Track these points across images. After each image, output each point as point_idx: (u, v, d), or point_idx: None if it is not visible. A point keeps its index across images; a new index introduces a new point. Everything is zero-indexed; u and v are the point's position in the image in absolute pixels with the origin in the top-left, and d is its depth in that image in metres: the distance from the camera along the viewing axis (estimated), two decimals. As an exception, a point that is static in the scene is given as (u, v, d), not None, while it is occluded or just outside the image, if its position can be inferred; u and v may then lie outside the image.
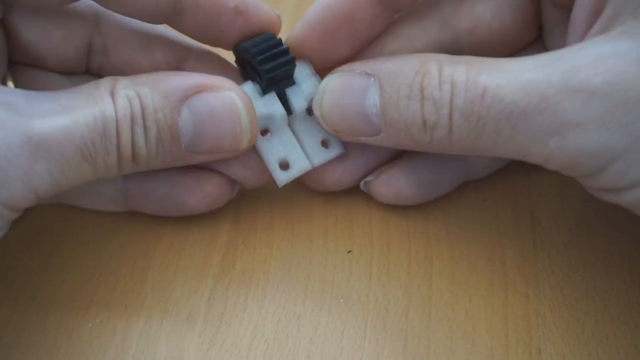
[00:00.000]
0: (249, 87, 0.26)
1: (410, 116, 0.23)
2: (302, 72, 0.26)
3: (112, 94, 0.23)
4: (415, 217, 0.28)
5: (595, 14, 0.23)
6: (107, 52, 0.27)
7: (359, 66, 0.24)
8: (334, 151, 0.27)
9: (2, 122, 0.21)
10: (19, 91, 0.23)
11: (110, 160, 0.23)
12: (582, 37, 0.23)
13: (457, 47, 0.27)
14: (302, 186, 0.29)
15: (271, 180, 0.27)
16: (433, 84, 0.22)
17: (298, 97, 0.26)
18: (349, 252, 0.27)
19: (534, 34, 0.28)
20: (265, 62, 0.25)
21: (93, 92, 0.23)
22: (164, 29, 0.27)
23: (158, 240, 0.28)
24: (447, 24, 0.27)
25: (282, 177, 0.27)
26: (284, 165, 0.27)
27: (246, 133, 0.24)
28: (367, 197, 0.29)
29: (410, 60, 0.23)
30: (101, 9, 0.26)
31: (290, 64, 0.25)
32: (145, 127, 0.23)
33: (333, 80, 0.25)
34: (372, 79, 0.24)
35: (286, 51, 0.25)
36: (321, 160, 0.27)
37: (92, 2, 0.25)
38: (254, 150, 0.26)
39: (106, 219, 0.29)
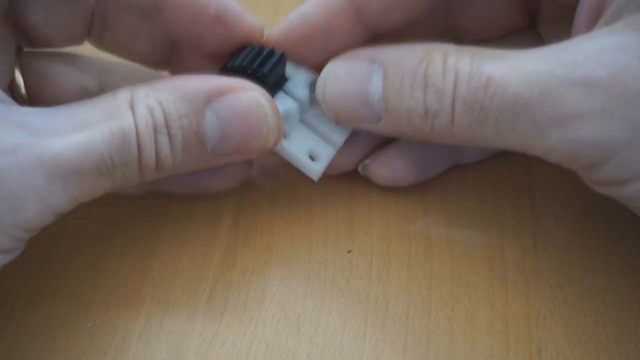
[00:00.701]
0: None
1: (412, 104, 0.23)
2: (289, 68, 0.27)
3: (132, 106, 0.23)
4: (415, 217, 0.28)
5: (597, 10, 0.23)
6: (107, 21, 0.27)
7: (364, 52, 0.25)
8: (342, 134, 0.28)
9: (15, 147, 0.21)
10: (33, 110, 0.23)
11: (129, 171, 0.23)
12: (585, 32, 0.23)
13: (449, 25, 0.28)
14: (302, 186, 0.29)
15: (272, 179, 0.27)
16: (436, 72, 0.22)
17: (298, 88, 0.27)
18: (349, 252, 0.27)
19: (526, 21, 0.28)
20: (261, 67, 0.25)
21: (110, 106, 0.23)
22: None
23: (158, 240, 0.28)
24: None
25: (317, 169, 0.27)
26: (312, 158, 0.27)
27: (273, 132, 0.24)
28: (367, 197, 0.29)
29: (415, 49, 0.23)
30: None
31: (282, 60, 0.26)
32: (170, 135, 0.23)
33: (337, 65, 0.25)
34: (376, 65, 0.24)
35: (273, 51, 0.26)
36: (344, 136, 0.27)
37: None
38: None
39: (106, 219, 0.29)
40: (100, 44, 0.28)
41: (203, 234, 0.28)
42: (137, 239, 0.28)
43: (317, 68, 0.27)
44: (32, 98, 0.27)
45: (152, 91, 0.23)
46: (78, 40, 0.27)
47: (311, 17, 0.26)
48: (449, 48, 0.23)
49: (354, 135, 0.28)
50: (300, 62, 0.27)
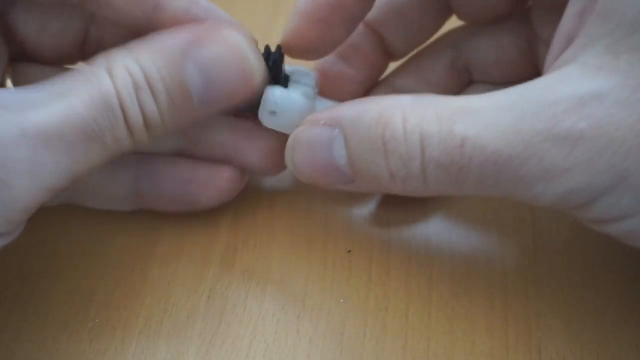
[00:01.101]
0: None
1: (376, 169, 0.22)
2: (288, 68, 0.27)
3: (109, 69, 0.22)
4: (415, 217, 0.28)
5: (571, 36, 0.22)
6: (103, 43, 0.27)
7: (323, 116, 0.24)
8: None
9: None
10: (9, 89, 0.22)
11: (119, 133, 0.22)
12: (556, 58, 0.23)
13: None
14: (302, 186, 0.29)
15: (272, 179, 0.27)
16: (397, 136, 0.21)
17: (302, 77, 0.26)
18: (349, 252, 0.27)
19: (520, 2, 0.28)
20: (268, 58, 0.25)
21: (87, 73, 0.22)
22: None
23: (158, 240, 0.28)
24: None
25: None
26: None
27: (257, 69, 0.24)
28: (368, 197, 0.29)
29: (370, 109, 0.22)
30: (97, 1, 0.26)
31: (281, 51, 0.26)
32: (153, 92, 0.23)
33: (300, 135, 0.24)
34: (337, 130, 0.23)
35: (269, 48, 0.26)
36: None
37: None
38: (272, 140, 0.27)
39: (106, 219, 0.29)
40: None
41: (203, 234, 0.28)
42: (137, 239, 0.28)
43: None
44: None
45: (129, 53, 0.23)
46: (70, 60, 0.27)
47: None
48: (407, 104, 0.22)
49: None
50: (325, 46, 0.26)
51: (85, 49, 0.27)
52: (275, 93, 0.25)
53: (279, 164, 0.27)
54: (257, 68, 0.24)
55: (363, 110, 0.23)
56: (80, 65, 0.28)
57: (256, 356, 0.24)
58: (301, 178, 0.25)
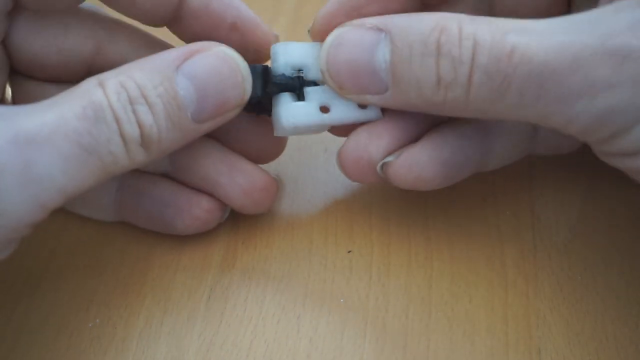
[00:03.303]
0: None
1: (423, 73, 0.22)
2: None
3: (101, 84, 0.22)
4: (415, 217, 0.28)
5: None
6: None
7: (370, 20, 0.24)
8: (372, 112, 0.26)
9: None
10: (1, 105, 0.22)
11: (115, 148, 0.22)
12: None
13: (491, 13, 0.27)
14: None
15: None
16: (452, 40, 0.22)
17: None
18: (349, 252, 0.27)
19: (565, 4, 0.27)
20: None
21: (78, 88, 0.22)
22: None
23: (158, 240, 0.28)
24: None
25: (376, 110, 0.26)
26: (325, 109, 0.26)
27: (248, 80, 0.24)
28: (368, 197, 0.29)
29: (426, 17, 0.23)
30: (104, 36, 0.26)
31: (265, 69, 0.26)
32: (149, 104, 0.22)
33: (342, 32, 0.24)
34: (384, 34, 0.23)
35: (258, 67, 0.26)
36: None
37: (96, 30, 0.25)
38: (254, 177, 0.26)
39: (106, 219, 0.29)
40: None
41: (203, 234, 0.28)
42: (137, 238, 0.28)
43: None
44: None
45: (120, 72, 0.22)
46: (73, 82, 0.27)
47: None
48: (463, 17, 0.22)
49: (378, 129, 0.26)
50: None
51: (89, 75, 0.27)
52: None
53: (259, 204, 0.27)
54: (249, 80, 0.24)
55: (417, 19, 0.23)
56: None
57: (256, 356, 0.24)
58: (330, 80, 0.24)
